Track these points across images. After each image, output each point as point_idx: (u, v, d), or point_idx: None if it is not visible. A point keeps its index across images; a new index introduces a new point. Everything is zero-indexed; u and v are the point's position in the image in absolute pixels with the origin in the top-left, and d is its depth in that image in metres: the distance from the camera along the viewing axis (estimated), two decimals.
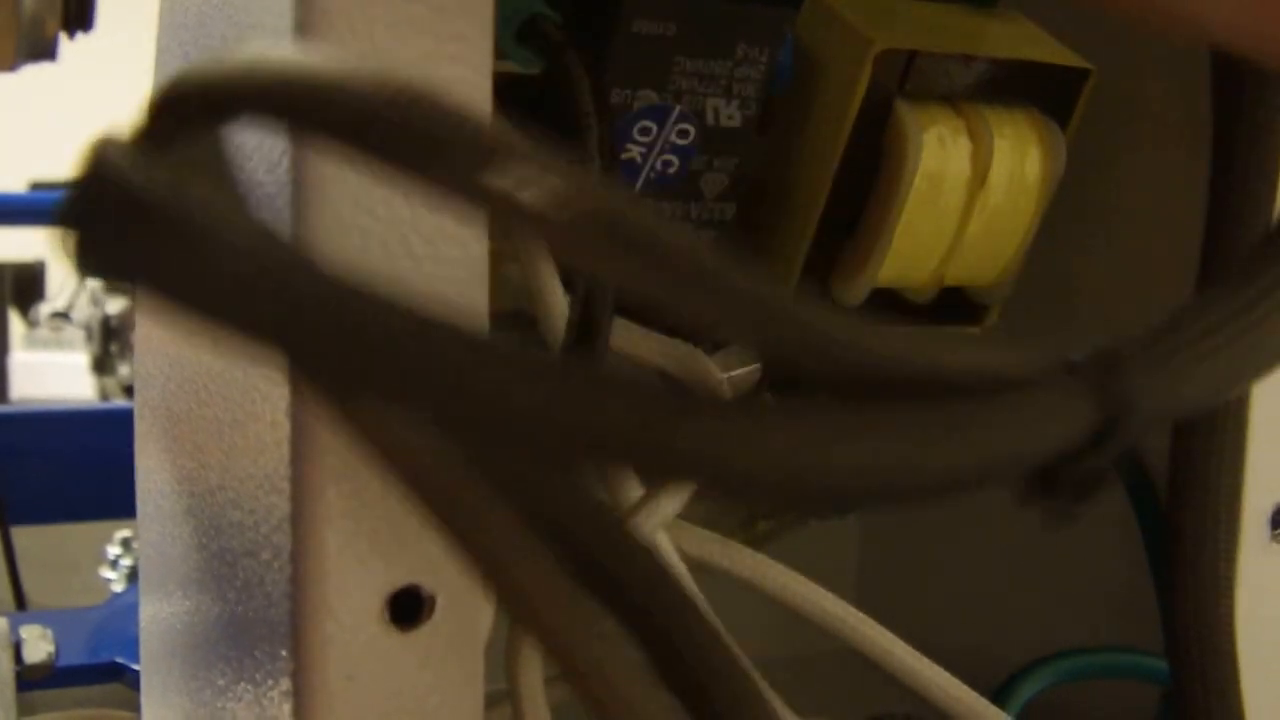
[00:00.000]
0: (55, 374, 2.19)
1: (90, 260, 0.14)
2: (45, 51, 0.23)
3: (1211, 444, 0.26)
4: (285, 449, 0.20)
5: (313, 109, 0.14)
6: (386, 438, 0.17)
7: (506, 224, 0.14)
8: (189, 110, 0.15)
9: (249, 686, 0.23)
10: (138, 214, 0.14)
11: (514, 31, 0.24)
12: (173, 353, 0.28)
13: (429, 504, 0.17)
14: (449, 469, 0.17)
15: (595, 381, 0.14)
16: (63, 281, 2.30)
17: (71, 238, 0.14)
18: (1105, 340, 0.18)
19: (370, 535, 0.20)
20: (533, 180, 0.14)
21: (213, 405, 0.24)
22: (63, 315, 2.25)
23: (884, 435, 0.15)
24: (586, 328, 0.23)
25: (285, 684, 0.20)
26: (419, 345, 0.14)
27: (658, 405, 0.14)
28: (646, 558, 0.19)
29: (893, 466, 0.16)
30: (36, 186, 1.95)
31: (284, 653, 0.20)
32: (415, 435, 0.17)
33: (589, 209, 0.14)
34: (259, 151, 0.20)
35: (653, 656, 0.18)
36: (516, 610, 0.17)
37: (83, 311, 2.20)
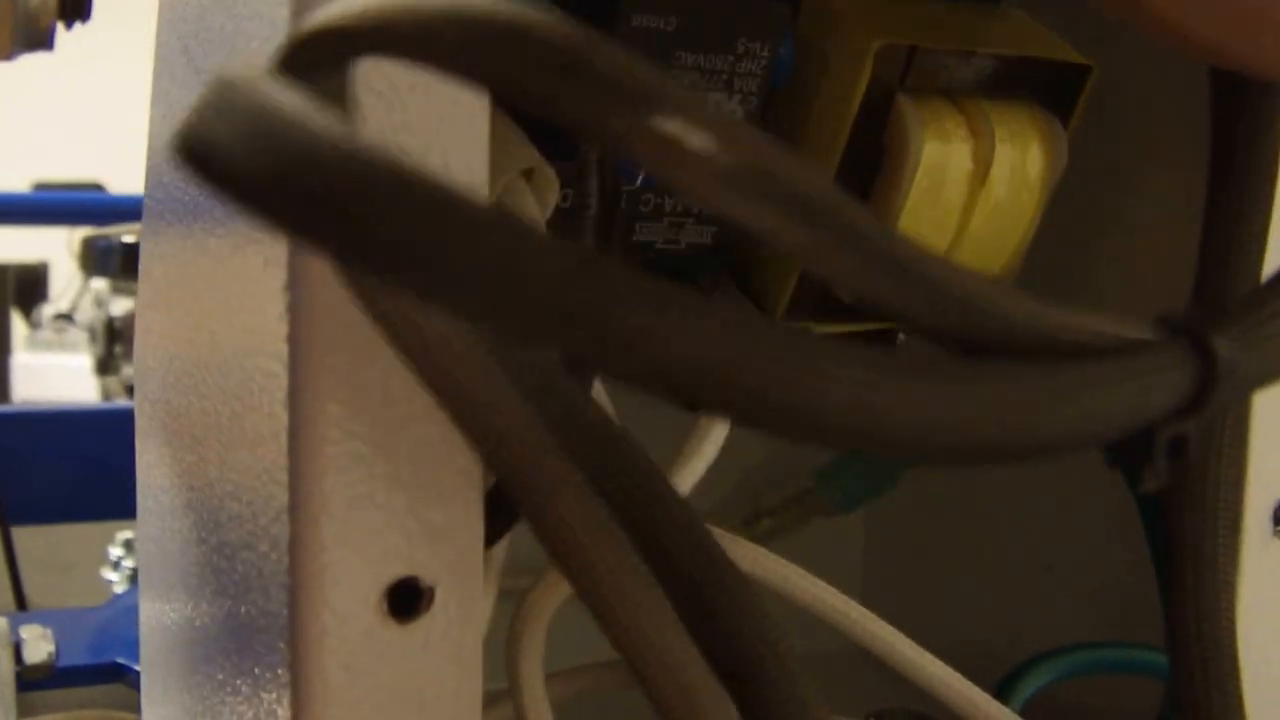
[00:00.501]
0: (58, 376, 2.19)
1: (214, 166, 0.14)
2: (42, 41, 0.23)
3: (1213, 437, 0.26)
4: (283, 440, 0.20)
5: (478, 52, 0.14)
6: (460, 387, 0.17)
7: (667, 171, 0.14)
8: (332, 46, 0.15)
9: (248, 680, 0.22)
10: (266, 118, 0.14)
11: None
12: (171, 347, 0.28)
13: (495, 457, 0.17)
14: (520, 422, 0.17)
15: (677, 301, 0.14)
16: (66, 283, 2.30)
17: (198, 139, 0.14)
18: (1198, 307, 0.18)
19: (368, 526, 0.20)
20: (699, 125, 0.14)
21: (211, 398, 0.24)
22: (66, 317, 2.25)
23: (1006, 392, 0.16)
24: None
25: (283, 676, 0.20)
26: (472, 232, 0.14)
27: (771, 345, 0.14)
28: (713, 547, 0.19)
29: (1011, 425, 0.16)
30: (40, 187, 1.95)
31: (282, 645, 0.20)
32: (483, 381, 0.17)
33: (757, 155, 0.14)
34: None
35: (700, 643, 0.18)
36: (578, 581, 0.17)
37: (86, 313, 2.20)
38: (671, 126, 0.14)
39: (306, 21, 0.15)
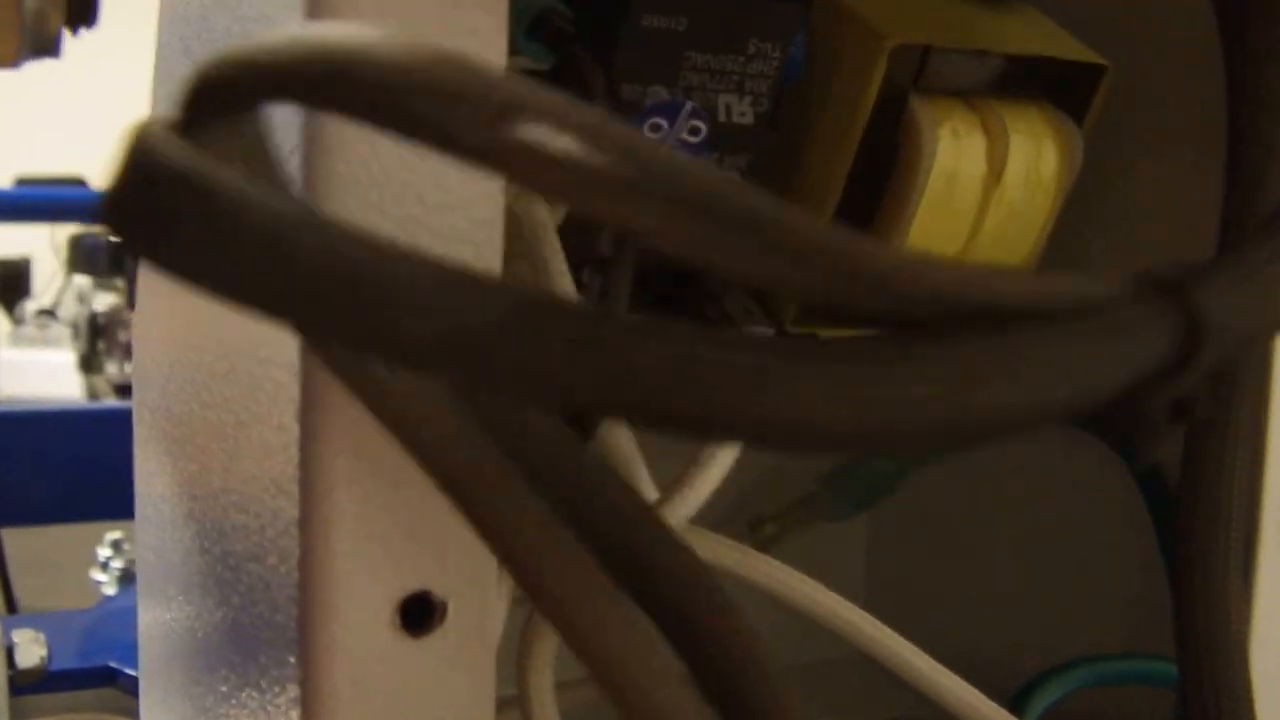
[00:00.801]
0: (41, 372, 2.17)
1: (133, 243, 0.14)
2: (48, 47, 0.22)
3: (1226, 441, 0.25)
4: (294, 452, 0.19)
5: (340, 84, 0.14)
6: (413, 419, 0.17)
7: (535, 182, 0.13)
8: (227, 93, 0.15)
9: (254, 693, 0.22)
10: (183, 194, 0.13)
11: (525, 26, 0.24)
12: (172, 353, 0.28)
13: (457, 494, 0.17)
14: (476, 454, 0.17)
15: (627, 330, 0.13)
16: (48, 278, 2.28)
17: (115, 220, 0.14)
18: (1179, 260, 0.16)
19: (380, 539, 0.20)
20: (562, 131, 0.13)
21: (216, 407, 0.24)
22: (49, 313, 2.23)
23: (948, 369, 0.14)
24: None
25: (293, 691, 0.20)
26: (443, 300, 0.13)
27: (700, 349, 0.13)
28: (685, 555, 0.18)
29: (961, 403, 0.14)
30: (22, 182, 1.93)
31: (291, 659, 0.20)
32: (439, 412, 0.16)
33: (625, 152, 0.13)
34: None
35: (685, 656, 0.18)
36: (545, 606, 0.17)
37: (69, 309, 2.18)
38: (532, 134, 0.13)
39: (199, 73, 0.15)
